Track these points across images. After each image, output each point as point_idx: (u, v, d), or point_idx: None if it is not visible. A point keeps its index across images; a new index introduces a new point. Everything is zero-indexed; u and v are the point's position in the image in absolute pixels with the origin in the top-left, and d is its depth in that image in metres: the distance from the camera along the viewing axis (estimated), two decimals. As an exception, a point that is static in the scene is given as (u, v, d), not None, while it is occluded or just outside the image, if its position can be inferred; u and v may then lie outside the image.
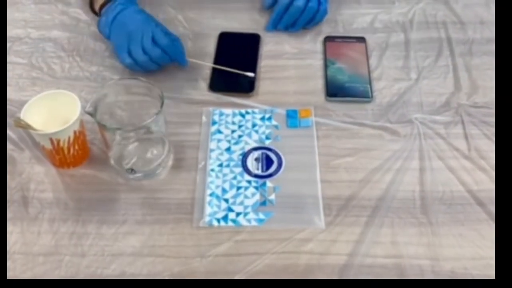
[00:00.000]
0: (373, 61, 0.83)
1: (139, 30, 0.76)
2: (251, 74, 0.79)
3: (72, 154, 0.67)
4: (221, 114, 0.76)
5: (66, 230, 0.64)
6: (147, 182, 0.69)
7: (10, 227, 0.64)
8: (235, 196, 0.67)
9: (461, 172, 0.69)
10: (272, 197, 0.67)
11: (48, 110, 0.67)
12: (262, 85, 0.80)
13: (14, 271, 0.60)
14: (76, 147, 0.67)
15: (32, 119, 0.65)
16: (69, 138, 0.65)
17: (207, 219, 0.64)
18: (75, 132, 0.66)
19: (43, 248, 0.62)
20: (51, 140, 0.65)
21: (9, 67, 0.82)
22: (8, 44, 0.86)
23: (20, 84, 0.80)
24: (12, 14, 0.91)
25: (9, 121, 0.74)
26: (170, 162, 0.70)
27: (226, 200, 0.66)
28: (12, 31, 0.88)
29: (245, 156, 0.71)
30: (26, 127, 0.64)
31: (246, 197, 0.67)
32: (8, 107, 0.75)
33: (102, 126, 0.64)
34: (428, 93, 0.79)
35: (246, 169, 0.70)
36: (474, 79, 0.80)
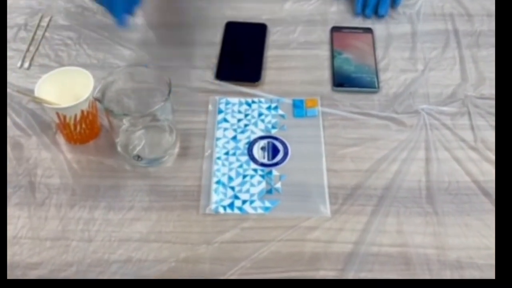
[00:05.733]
0: (379, 52, 0.83)
1: None
2: None
3: (79, 131, 0.68)
4: (227, 103, 0.76)
5: (73, 216, 0.64)
6: (154, 169, 0.69)
7: (17, 212, 0.64)
8: (241, 184, 0.67)
9: (467, 162, 0.69)
10: (278, 185, 0.67)
11: (67, 84, 0.68)
12: (269, 75, 0.80)
13: (21, 256, 0.61)
14: (83, 125, 0.68)
15: (50, 90, 0.67)
16: (75, 115, 0.66)
17: (213, 206, 0.65)
18: (82, 112, 0.66)
19: (50, 233, 0.63)
20: (58, 114, 0.66)
21: (15, 54, 0.82)
22: (14, 31, 0.86)
23: (27, 71, 0.80)
24: (18, 1, 0.91)
25: (15, 106, 0.74)
26: (176, 150, 0.70)
27: (232, 188, 0.67)
28: (18, 18, 0.88)
29: (251, 144, 0.71)
30: (34, 98, 0.66)
31: (252, 185, 0.67)
32: (15, 94, 0.76)
33: (110, 112, 0.64)
34: (434, 84, 0.79)
35: (252, 158, 0.70)
36: (481, 70, 0.80)
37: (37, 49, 0.83)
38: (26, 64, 0.81)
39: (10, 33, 0.86)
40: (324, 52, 0.83)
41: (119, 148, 0.69)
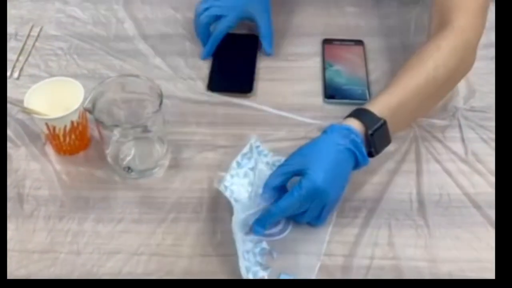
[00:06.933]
0: (371, 64, 0.84)
1: None
2: None
3: (68, 142, 0.68)
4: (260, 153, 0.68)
5: (61, 228, 0.63)
6: (144, 180, 0.68)
7: (4, 224, 0.63)
8: None
9: (458, 175, 0.69)
10: None
11: (57, 94, 0.68)
12: (261, 86, 0.80)
13: (9, 268, 0.59)
14: (73, 136, 0.67)
15: (39, 100, 0.66)
16: (65, 126, 0.66)
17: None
18: (72, 123, 0.66)
19: (38, 245, 0.62)
20: (47, 125, 0.65)
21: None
22: (5, 41, 0.85)
23: (16, 81, 0.79)
24: (8, 11, 0.90)
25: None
26: (167, 161, 0.70)
27: None
28: (8, 27, 0.87)
29: None
30: (23, 108, 0.65)
31: None
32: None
33: (100, 123, 0.63)
34: (425, 97, 0.79)
35: None
36: (471, 83, 0.81)
37: (27, 59, 0.83)
38: (15, 74, 0.80)
39: None
40: (315, 64, 0.84)
41: (109, 159, 0.68)
